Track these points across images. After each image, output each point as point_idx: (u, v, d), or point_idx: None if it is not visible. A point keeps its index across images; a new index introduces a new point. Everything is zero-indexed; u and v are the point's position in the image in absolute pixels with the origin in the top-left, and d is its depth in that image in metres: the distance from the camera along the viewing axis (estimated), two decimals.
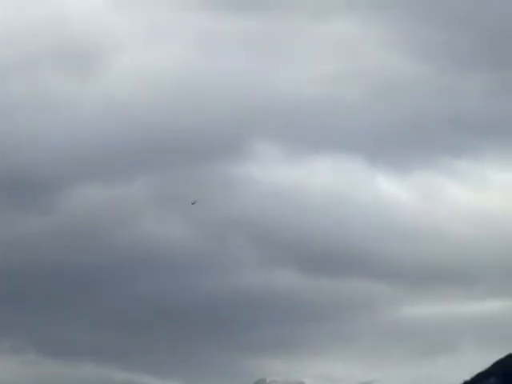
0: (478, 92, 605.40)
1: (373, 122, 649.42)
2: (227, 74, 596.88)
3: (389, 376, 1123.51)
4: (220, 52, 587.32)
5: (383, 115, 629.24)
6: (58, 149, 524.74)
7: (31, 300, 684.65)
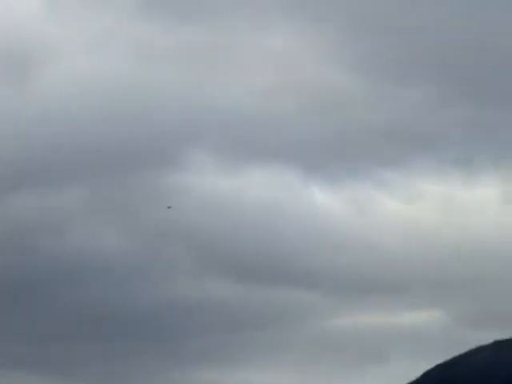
0: (411, 104, 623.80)
1: (308, 133, 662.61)
2: (164, 84, 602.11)
3: None
4: (157, 62, 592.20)
5: (318, 127, 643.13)
6: None
7: None
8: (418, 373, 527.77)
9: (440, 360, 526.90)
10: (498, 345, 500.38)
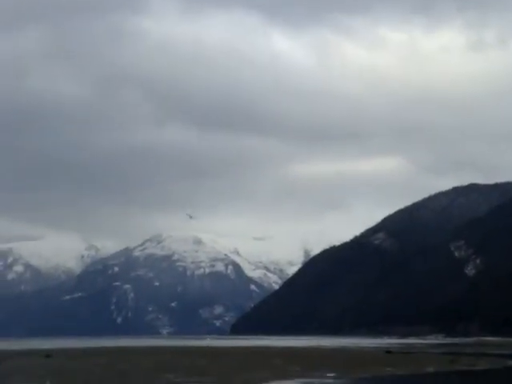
0: None
1: None
2: None
3: (281, 232, 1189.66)
4: None
5: None
6: None
7: None
8: (379, 218, 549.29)
9: (401, 206, 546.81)
10: (456, 191, 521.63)
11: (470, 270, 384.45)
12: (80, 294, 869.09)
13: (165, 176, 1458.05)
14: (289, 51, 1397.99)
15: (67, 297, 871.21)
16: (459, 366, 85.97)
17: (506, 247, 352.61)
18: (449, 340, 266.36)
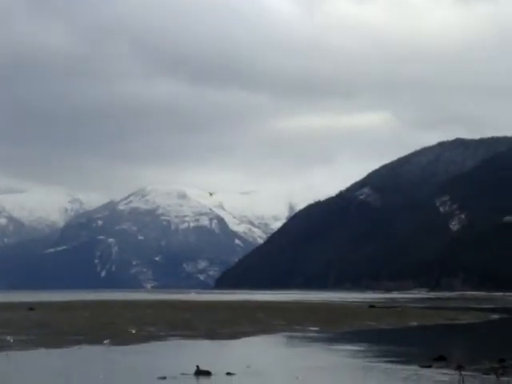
0: None
1: None
2: None
3: (266, 187, 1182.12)
4: None
5: None
6: None
7: None
8: (363, 173, 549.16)
9: (386, 161, 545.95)
10: (441, 146, 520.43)
11: (454, 225, 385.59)
12: (63, 247, 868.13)
13: (151, 130, 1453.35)
14: (277, 4, 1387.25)
15: (50, 250, 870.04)
16: (443, 319, 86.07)
17: (490, 202, 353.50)
18: (432, 294, 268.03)
